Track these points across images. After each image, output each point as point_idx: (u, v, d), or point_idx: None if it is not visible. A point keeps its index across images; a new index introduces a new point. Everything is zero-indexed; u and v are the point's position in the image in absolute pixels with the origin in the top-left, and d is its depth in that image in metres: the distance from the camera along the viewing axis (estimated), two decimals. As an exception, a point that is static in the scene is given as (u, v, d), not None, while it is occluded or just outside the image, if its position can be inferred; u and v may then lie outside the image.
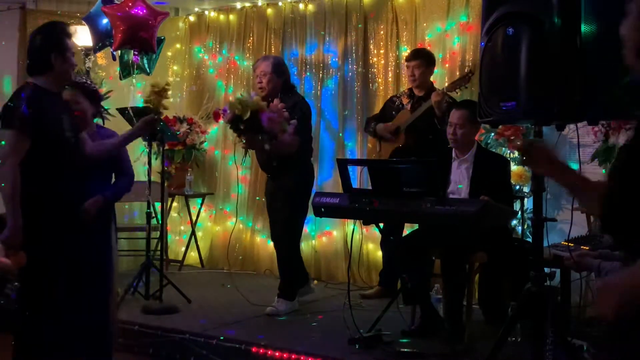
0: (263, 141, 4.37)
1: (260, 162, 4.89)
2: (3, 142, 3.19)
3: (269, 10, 6.51)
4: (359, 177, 5.02)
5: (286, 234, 4.81)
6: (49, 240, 3.29)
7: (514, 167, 4.93)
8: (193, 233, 6.66)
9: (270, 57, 4.99)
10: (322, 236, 6.17)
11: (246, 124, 4.27)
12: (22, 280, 3.26)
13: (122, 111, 5.06)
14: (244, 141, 4.44)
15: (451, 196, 4.07)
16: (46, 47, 3.30)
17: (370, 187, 4.00)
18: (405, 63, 5.14)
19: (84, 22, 5.64)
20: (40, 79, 3.32)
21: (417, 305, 4.22)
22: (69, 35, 3.41)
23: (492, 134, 5.12)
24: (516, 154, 5.11)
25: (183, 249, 6.75)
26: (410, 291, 4.15)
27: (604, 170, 4.75)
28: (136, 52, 5.21)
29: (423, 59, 5.07)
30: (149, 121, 4.00)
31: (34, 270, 3.22)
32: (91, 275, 3.50)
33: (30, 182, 3.22)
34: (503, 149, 5.10)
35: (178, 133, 6.36)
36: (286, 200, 4.72)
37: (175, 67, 7.07)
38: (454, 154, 4.24)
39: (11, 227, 3.17)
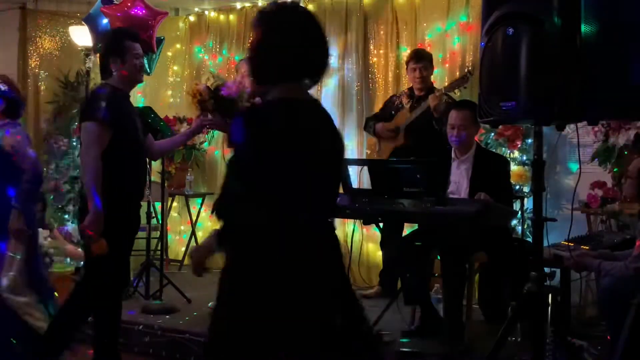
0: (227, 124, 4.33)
1: None
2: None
3: (269, 10, 6.50)
4: (359, 177, 5.02)
5: None
6: (112, 234, 3.38)
7: (514, 167, 4.94)
8: (193, 233, 6.66)
9: None
10: (322, 236, 6.16)
11: (212, 97, 4.21)
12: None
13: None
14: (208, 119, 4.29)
15: (451, 196, 4.07)
16: (106, 53, 3.61)
17: (370, 187, 4.00)
18: (411, 65, 5.06)
19: (84, 22, 5.64)
20: (113, 80, 3.57)
21: (417, 305, 4.22)
22: (130, 38, 3.68)
23: (492, 134, 5.12)
24: (516, 153, 5.12)
25: (183, 249, 6.75)
26: (410, 291, 4.15)
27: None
28: (136, 52, 5.20)
29: (428, 59, 5.06)
30: (205, 120, 4.24)
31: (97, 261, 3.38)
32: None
33: (108, 174, 3.38)
34: (503, 149, 5.11)
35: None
36: None
37: (175, 67, 7.07)
38: (453, 154, 4.24)
39: (93, 213, 3.28)
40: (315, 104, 2.25)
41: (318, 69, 2.22)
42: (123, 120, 3.48)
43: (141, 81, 3.83)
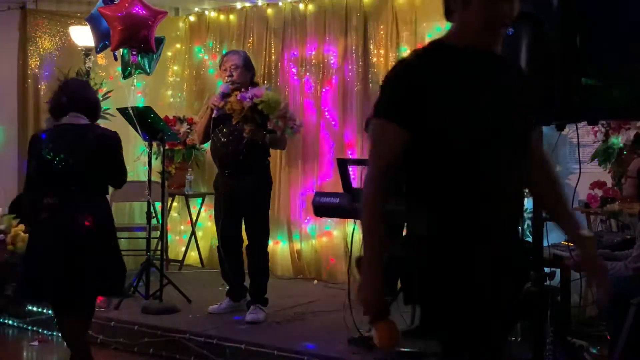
0: (263, 135, 4.53)
1: (221, 158, 4.72)
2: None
3: (269, 10, 6.51)
4: (359, 177, 5.03)
5: (264, 233, 4.76)
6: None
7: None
8: (193, 233, 6.66)
9: (240, 52, 4.98)
10: (322, 236, 6.17)
11: (259, 118, 4.43)
12: None
13: (123, 111, 5.06)
14: (247, 130, 4.49)
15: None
16: None
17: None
18: None
19: (84, 22, 5.65)
20: (451, 32, 2.05)
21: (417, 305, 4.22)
22: None
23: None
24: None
25: (183, 249, 6.75)
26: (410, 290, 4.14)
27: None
28: (134, 52, 5.20)
29: None
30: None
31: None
32: None
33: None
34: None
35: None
36: (262, 198, 4.71)
37: (175, 67, 7.06)
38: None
39: (364, 282, 2.03)
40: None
41: None
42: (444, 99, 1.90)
43: (489, 43, 2.01)
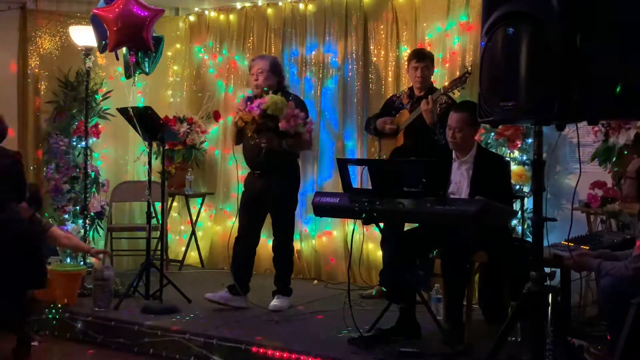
0: (279, 141, 4.60)
1: (250, 157, 4.87)
2: None
3: (269, 10, 6.51)
4: (359, 177, 5.03)
5: (288, 230, 4.89)
6: None
7: (514, 167, 4.94)
8: (193, 233, 6.66)
9: (268, 57, 5.08)
10: (322, 236, 6.17)
11: (271, 123, 4.47)
12: None
13: (123, 111, 5.06)
14: (264, 141, 4.58)
15: (452, 197, 4.07)
16: None
17: (370, 187, 4.00)
18: (412, 64, 5.07)
19: (84, 22, 5.64)
20: None
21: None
22: None
23: (492, 134, 5.12)
24: (516, 153, 5.12)
25: (183, 249, 6.75)
26: (400, 289, 4.13)
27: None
28: (132, 52, 5.19)
29: (429, 59, 5.09)
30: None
31: None
32: None
33: None
34: (503, 149, 5.10)
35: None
36: (288, 196, 4.83)
37: (175, 67, 7.06)
38: (454, 155, 4.24)
39: None
40: None
41: None
42: None
43: None
